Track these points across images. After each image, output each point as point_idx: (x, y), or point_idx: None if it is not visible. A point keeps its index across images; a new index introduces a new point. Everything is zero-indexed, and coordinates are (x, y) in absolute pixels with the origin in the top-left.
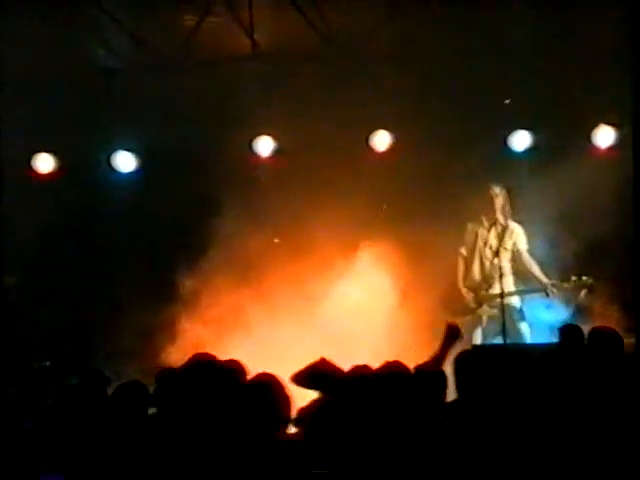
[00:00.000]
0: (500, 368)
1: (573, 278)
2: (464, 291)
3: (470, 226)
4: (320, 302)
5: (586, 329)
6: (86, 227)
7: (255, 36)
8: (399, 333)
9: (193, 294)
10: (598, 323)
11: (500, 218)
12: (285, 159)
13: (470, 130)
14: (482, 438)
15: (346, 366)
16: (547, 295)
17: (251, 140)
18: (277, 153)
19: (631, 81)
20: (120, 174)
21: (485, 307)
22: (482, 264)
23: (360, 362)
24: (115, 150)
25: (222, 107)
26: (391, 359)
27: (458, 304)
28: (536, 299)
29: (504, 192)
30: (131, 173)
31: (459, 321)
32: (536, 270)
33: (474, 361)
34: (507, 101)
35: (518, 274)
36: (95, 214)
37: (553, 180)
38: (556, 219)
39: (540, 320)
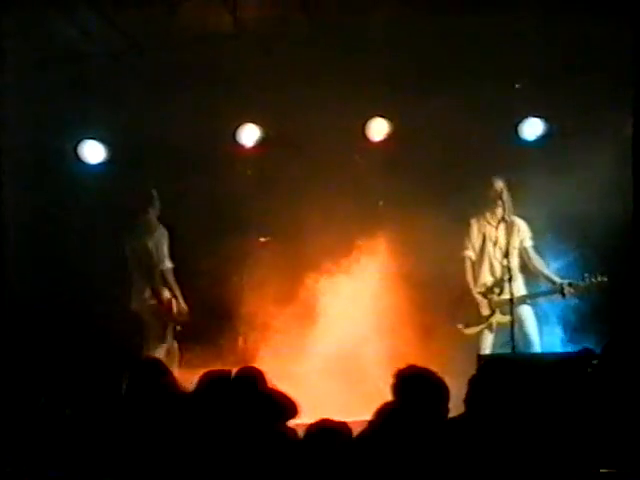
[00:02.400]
0: (509, 381)
1: (586, 275)
2: (478, 298)
3: (475, 224)
4: (310, 308)
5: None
6: (49, 222)
7: (238, 14)
8: (403, 344)
9: (172, 298)
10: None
11: (506, 214)
12: (272, 149)
13: (476, 118)
14: (490, 456)
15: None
16: (563, 296)
17: (235, 129)
18: (263, 143)
19: (633, 81)
20: (87, 165)
21: (498, 314)
22: (492, 266)
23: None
24: (82, 139)
25: (202, 93)
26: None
27: (470, 312)
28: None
29: (505, 185)
30: (99, 165)
31: (472, 331)
32: (545, 269)
33: (484, 375)
34: (517, 86)
35: (527, 274)
36: (59, 209)
37: (566, 171)
38: (567, 213)
39: (551, 326)
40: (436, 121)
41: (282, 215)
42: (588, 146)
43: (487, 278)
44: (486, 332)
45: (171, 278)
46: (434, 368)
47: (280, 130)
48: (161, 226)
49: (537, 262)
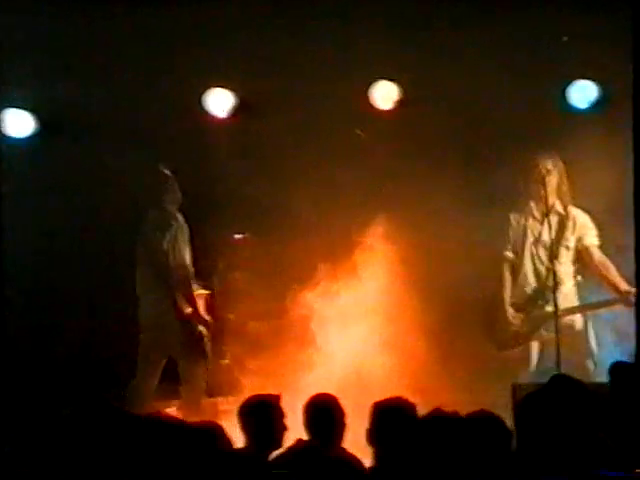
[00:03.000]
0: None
1: None
2: (510, 312)
3: (514, 217)
4: (303, 323)
5: None
6: None
7: None
8: (420, 369)
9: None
10: None
11: (557, 204)
12: (249, 120)
13: (512, 80)
14: None
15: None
16: (628, 307)
17: (201, 94)
18: (238, 112)
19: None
20: (11, 139)
21: (542, 331)
22: (536, 270)
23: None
24: (4, 108)
25: (158, 49)
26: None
27: (506, 329)
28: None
29: (560, 166)
30: (27, 138)
31: (508, 353)
32: (613, 274)
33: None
34: (564, 39)
35: (586, 280)
36: None
37: (628, 146)
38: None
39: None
40: (460, 85)
41: (263, 205)
42: None
43: (529, 286)
44: (528, 355)
45: (192, 287)
46: (460, 399)
47: (260, 96)
48: (180, 217)
49: (602, 265)
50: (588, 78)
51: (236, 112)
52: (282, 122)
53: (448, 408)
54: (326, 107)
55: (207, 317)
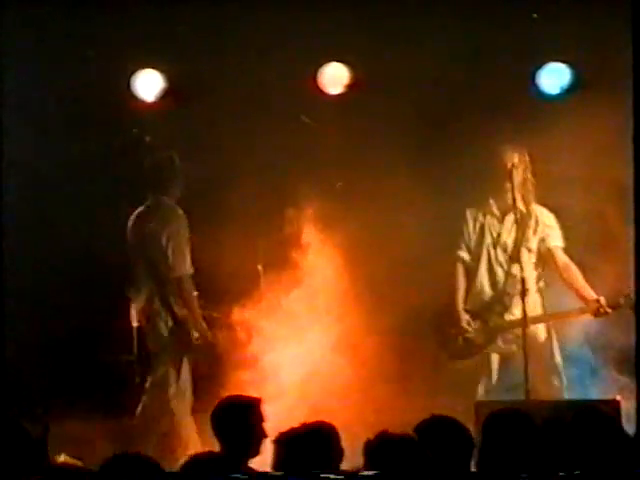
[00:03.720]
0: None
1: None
2: (464, 319)
3: (471, 214)
4: (240, 345)
5: None
6: None
7: None
8: (365, 383)
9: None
10: None
11: (519, 201)
12: (181, 104)
13: (475, 62)
14: None
15: None
16: (595, 316)
17: (129, 76)
18: (169, 95)
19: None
20: None
21: (499, 342)
22: (493, 274)
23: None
24: None
25: (86, 27)
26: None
27: (458, 337)
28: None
29: (526, 160)
30: None
31: (460, 365)
32: (578, 280)
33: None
34: (534, 16)
35: (549, 287)
36: None
37: (603, 138)
38: (598, 198)
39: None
40: (415, 68)
41: (196, 202)
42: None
43: (486, 291)
44: (484, 369)
45: (190, 288)
46: (413, 416)
47: (192, 79)
48: (180, 211)
49: (566, 270)
50: (560, 61)
51: (166, 95)
52: (217, 107)
53: (404, 426)
54: (269, 92)
55: (203, 324)
